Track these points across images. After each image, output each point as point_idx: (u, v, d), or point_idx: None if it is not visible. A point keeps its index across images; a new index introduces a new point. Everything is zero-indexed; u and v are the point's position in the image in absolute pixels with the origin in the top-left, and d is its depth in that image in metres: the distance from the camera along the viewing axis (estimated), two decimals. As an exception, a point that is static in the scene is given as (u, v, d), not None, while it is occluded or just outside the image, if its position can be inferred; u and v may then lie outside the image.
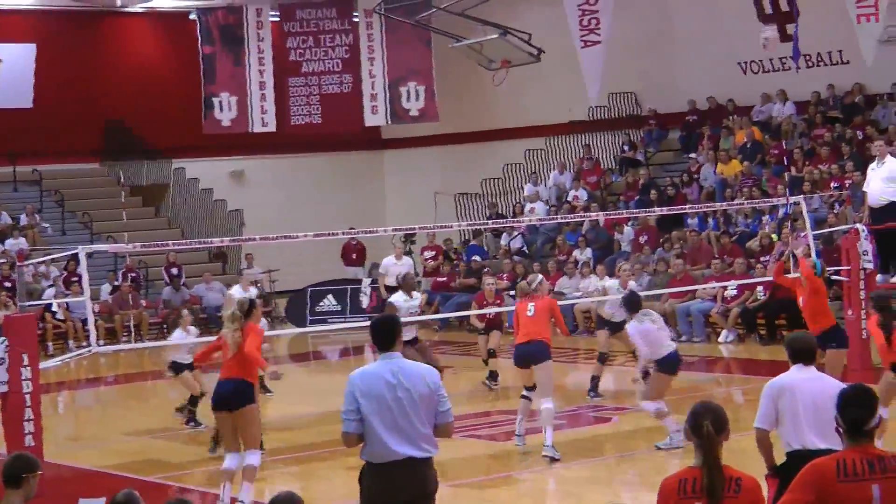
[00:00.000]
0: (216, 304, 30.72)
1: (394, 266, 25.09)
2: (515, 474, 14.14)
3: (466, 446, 15.35)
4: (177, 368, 17.86)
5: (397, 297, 17.56)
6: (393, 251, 25.51)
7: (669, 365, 14.61)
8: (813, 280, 15.61)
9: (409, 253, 30.91)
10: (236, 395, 12.51)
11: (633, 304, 14.76)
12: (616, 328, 19.18)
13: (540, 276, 17.01)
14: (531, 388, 15.08)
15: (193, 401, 17.89)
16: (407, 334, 16.90)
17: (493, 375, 20.31)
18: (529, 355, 15.01)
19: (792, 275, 17.61)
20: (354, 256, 34.08)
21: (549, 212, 31.25)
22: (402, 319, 16.14)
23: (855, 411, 6.40)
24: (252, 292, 19.89)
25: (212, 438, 15.75)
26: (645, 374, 15.42)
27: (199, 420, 17.82)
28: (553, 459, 14.18)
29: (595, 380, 19.24)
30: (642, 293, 22.37)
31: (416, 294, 18.10)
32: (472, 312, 21.07)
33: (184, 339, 17.85)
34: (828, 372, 14.80)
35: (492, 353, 20.45)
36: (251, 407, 12.55)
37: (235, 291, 20.37)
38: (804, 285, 15.63)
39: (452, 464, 13.42)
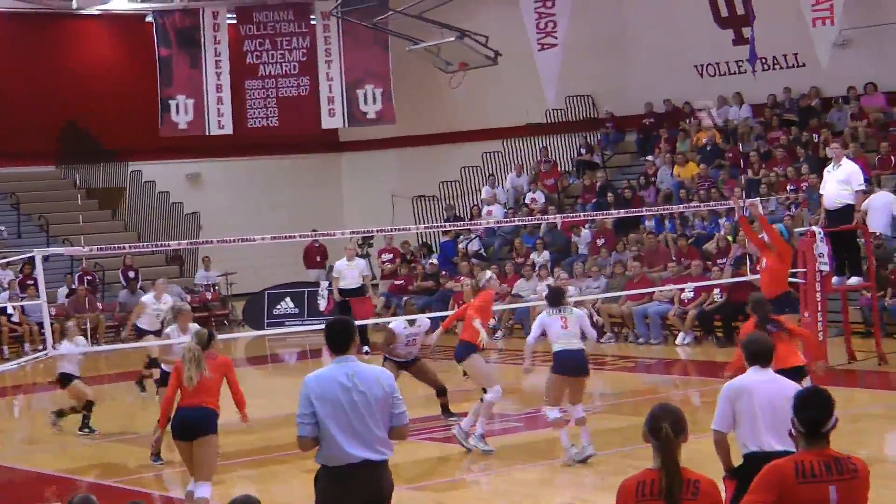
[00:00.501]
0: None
1: (346, 268, 25.05)
2: (472, 477, 14.15)
3: (423, 449, 15.36)
4: (65, 379, 18.16)
5: (398, 324, 17.15)
6: (344, 252, 25.53)
7: (557, 363, 14.08)
8: (780, 244, 15.85)
9: (365, 255, 30.95)
10: (200, 423, 12.00)
11: (554, 298, 14.43)
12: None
13: (489, 272, 17.11)
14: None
15: (89, 406, 18.25)
16: (410, 352, 16.96)
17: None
18: (456, 354, 15.53)
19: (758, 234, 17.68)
20: (318, 259, 34.03)
21: (507, 214, 31.30)
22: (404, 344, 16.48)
23: (813, 413, 6.44)
24: (167, 300, 20.29)
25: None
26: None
27: (92, 427, 18.19)
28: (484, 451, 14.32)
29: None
30: (600, 294, 22.58)
31: (422, 320, 17.59)
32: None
33: (72, 350, 18.14)
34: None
35: None
36: (212, 436, 12.04)
37: (148, 299, 20.44)
38: (771, 249, 15.84)
39: (409, 466, 13.43)
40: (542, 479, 13.78)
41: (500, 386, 15.20)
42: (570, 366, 14.03)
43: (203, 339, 12.38)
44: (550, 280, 25.01)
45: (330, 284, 28.68)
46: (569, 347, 13.97)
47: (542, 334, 14.23)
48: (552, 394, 14.13)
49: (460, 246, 31.82)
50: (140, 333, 20.72)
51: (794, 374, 13.09)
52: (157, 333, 20.61)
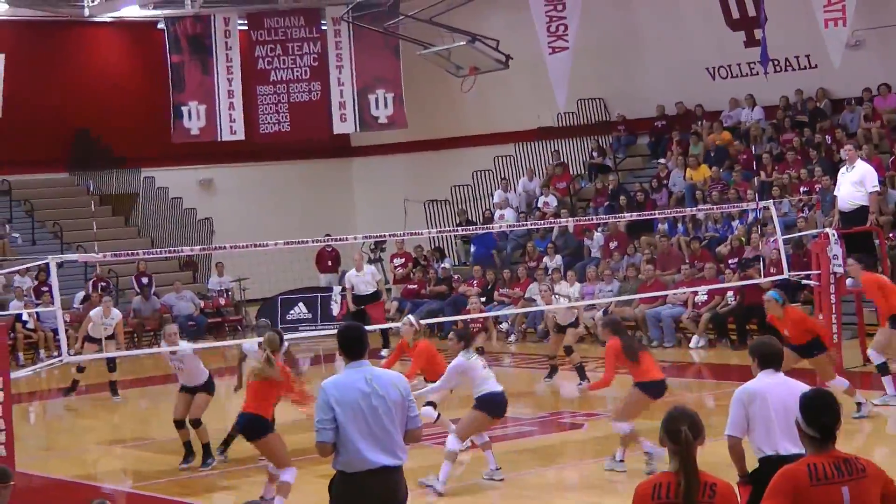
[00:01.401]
0: (187, 312, 30.70)
1: (355, 277, 25.10)
2: (484, 481, 14.13)
3: (435, 454, 15.34)
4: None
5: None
6: (352, 261, 25.66)
7: (486, 403, 13.69)
8: (788, 312, 15.90)
9: (377, 260, 30.99)
10: (250, 428, 13.29)
11: (468, 340, 14.24)
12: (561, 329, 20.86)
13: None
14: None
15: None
16: None
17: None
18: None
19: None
20: (330, 263, 34.04)
21: (519, 218, 31.30)
22: None
23: (828, 418, 6.45)
24: (115, 314, 21.95)
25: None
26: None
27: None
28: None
29: (580, 369, 20.31)
30: (613, 298, 22.59)
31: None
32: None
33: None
34: (820, 377, 15.35)
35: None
36: (266, 437, 13.20)
37: (95, 314, 21.18)
38: (780, 318, 15.96)
39: (421, 472, 13.42)
40: (555, 483, 13.78)
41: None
42: (498, 408, 13.87)
43: (275, 345, 13.59)
44: (563, 283, 24.98)
45: (343, 290, 28.72)
46: (501, 391, 13.77)
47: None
48: (469, 429, 13.85)
49: (472, 249, 31.87)
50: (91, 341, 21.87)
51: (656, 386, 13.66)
52: (96, 341, 21.32)
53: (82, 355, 21.55)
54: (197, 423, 15.80)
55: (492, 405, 13.64)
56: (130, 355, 23.56)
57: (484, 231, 30.69)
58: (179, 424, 15.90)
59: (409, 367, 15.81)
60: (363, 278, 25.16)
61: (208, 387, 16.03)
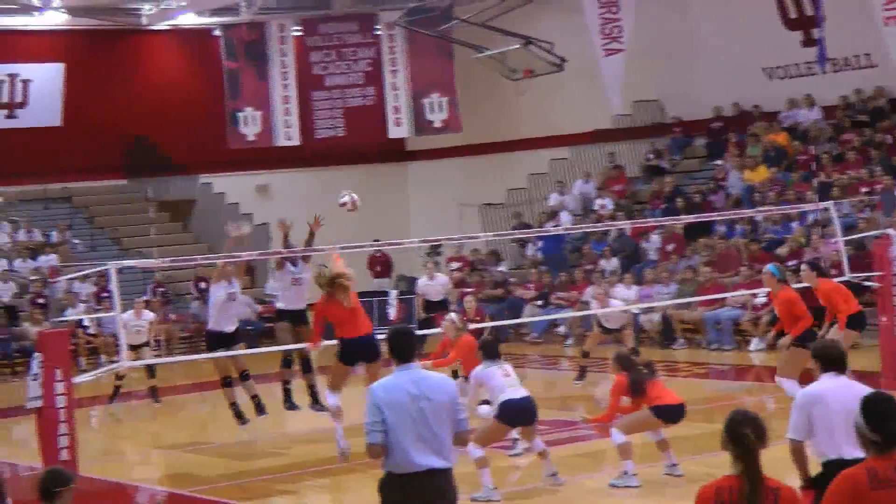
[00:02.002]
0: (244, 317, 30.78)
1: (427, 286, 25.15)
2: (537, 485, 14.11)
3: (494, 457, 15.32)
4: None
5: None
6: (424, 270, 25.72)
7: (503, 412, 13.57)
8: (781, 290, 15.81)
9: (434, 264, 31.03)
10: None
11: (490, 351, 14.02)
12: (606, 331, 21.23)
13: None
14: None
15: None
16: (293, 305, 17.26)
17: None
18: None
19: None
20: (379, 269, 34.11)
21: (575, 221, 31.25)
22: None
23: (893, 423, 6.40)
24: (147, 316, 22.23)
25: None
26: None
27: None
28: None
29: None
30: (671, 301, 22.45)
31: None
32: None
33: None
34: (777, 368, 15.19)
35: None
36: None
37: (127, 317, 21.29)
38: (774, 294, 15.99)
39: (473, 475, 13.40)
40: (607, 489, 13.72)
41: None
42: (518, 416, 13.75)
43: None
44: (620, 286, 24.93)
45: (400, 293, 28.77)
46: (522, 397, 13.66)
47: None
48: (488, 437, 13.82)
49: (528, 253, 31.84)
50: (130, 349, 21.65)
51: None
52: (135, 349, 21.41)
53: (134, 361, 21.61)
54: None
55: (508, 413, 13.55)
56: (188, 360, 23.68)
57: (553, 226, 30.66)
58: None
59: (449, 355, 16.00)
60: (434, 286, 25.22)
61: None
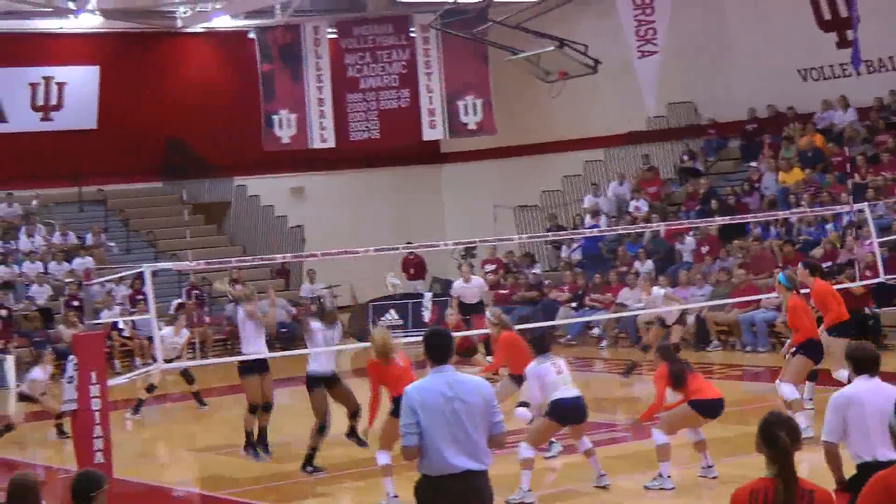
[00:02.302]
0: (279, 320, 30.85)
1: (463, 288, 25.13)
2: (574, 486, 14.10)
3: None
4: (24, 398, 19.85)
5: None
6: (459, 272, 25.68)
7: (554, 410, 13.50)
8: (790, 299, 15.75)
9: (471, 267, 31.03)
10: None
11: (540, 346, 13.97)
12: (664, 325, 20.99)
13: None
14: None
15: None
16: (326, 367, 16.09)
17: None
18: None
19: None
20: (412, 271, 34.14)
21: (610, 223, 31.19)
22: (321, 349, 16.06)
23: None
24: (184, 334, 22.29)
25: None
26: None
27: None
28: None
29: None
30: (706, 303, 22.42)
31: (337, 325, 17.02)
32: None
33: (41, 376, 19.96)
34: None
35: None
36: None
37: (167, 334, 21.30)
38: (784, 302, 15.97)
39: (509, 478, 13.40)
40: (645, 490, 13.69)
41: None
42: (569, 414, 13.60)
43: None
44: (656, 288, 24.88)
45: (435, 296, 28.77)
46: (573, 396, 13.57)
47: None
48: (540, 436, 13.81)
49: (563, 255, 31.81)
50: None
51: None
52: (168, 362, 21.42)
53: (173, 363, 21.68)
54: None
55: (559, 412, 13.50)
56: (223, 363, 23.74)
57: (592, 227, 30.63)
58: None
59: (493, 360, 15.98)
60: (470, 289, 25.21)
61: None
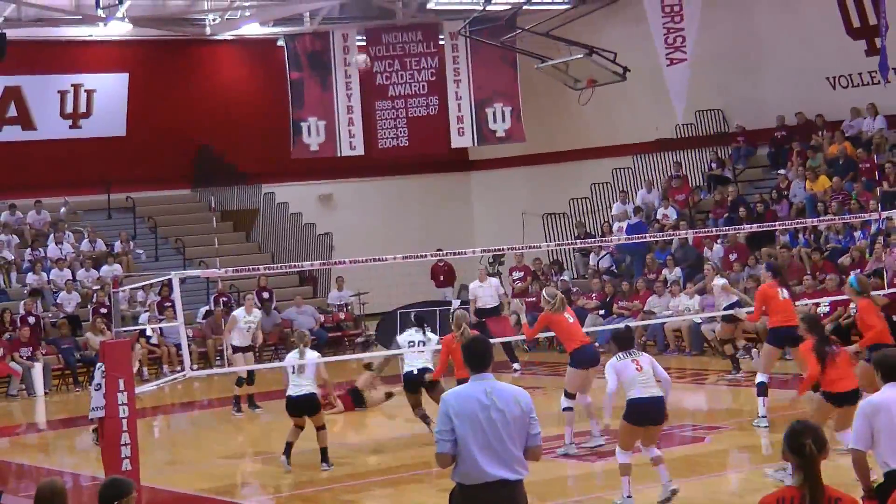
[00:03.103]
0: (307, 327, 30.93)
1: (479, 289, 25.09)
2: (605, 494, 14.07)
3: (557, 467, 15.32)
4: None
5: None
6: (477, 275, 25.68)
7: (628, 411, 13.14)
8: (859, 302, 15.68)
9: (496, 274, 30.98)
10: None
11: (623, 341, 13.61)
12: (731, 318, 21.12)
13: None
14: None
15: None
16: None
17: None
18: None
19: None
20: (441, 278, 34.14)
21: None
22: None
23: None
24: (256, 314, 21.97)
25: None
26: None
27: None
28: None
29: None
30: (735, 310, 22.29)
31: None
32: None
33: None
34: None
35: None
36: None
37: (240, 313, 21.21)
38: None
39: (544, 485, 13.38)
40: (678, 497, 13.65)
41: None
42: (643, 416, 13.14)
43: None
44: (684, 296, 24.81)
45: (463, 303, 28.73)
46: (649, 396, 13.06)
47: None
48: (623, 441, 13.30)
49: (591, 262, 31.76)
50: (233, 350, 21.71)
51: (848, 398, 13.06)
52: (247, 350, 21.34)
53: (235, 365, 21.60)
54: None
55: (634, 412, 13.07)
56: (250, 369, 23.78)
57: (636, 221, 30.62)
58: None
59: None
60: (487, 290, 25.16)
61: None
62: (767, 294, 17.26)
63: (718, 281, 21.79)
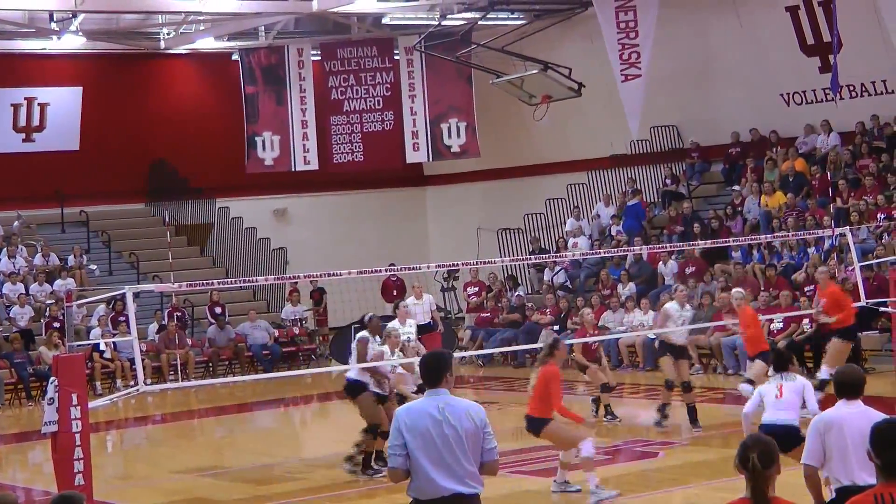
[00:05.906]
0: (261, 342, 30.84)
1: (414, 305, 25.06)
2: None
3: (513, 482, 15.31)
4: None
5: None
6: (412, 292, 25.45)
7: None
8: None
9: (450, 289, 30.95)
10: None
11: (778, 362, 13.10)
12: (678, 353, 19.24)
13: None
14: None
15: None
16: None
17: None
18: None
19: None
20: (395, 293, 34.03)
21: (593, 246, 31.21)
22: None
23: (891, 453, 6.37)
24: (410, 324, 19.74)
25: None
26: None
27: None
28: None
29: (663, 408, 19.08)
30: (689, 326, 22.00)
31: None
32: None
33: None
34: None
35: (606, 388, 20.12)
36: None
37: (395, 324, 19.67)
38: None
39: (500, 500, 13.38)
40: None
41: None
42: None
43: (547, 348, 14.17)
44: (637, 312, 24.80)
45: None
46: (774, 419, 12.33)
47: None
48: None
49: (546, 278, 31.80)
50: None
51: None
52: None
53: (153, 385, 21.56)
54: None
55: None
56: (206, 384, 23.72)
57: (634, 201, 30.70)
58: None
59: None
60: (420, 307, 25.13)
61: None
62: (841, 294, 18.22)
63: (670, 304, 21.57)
